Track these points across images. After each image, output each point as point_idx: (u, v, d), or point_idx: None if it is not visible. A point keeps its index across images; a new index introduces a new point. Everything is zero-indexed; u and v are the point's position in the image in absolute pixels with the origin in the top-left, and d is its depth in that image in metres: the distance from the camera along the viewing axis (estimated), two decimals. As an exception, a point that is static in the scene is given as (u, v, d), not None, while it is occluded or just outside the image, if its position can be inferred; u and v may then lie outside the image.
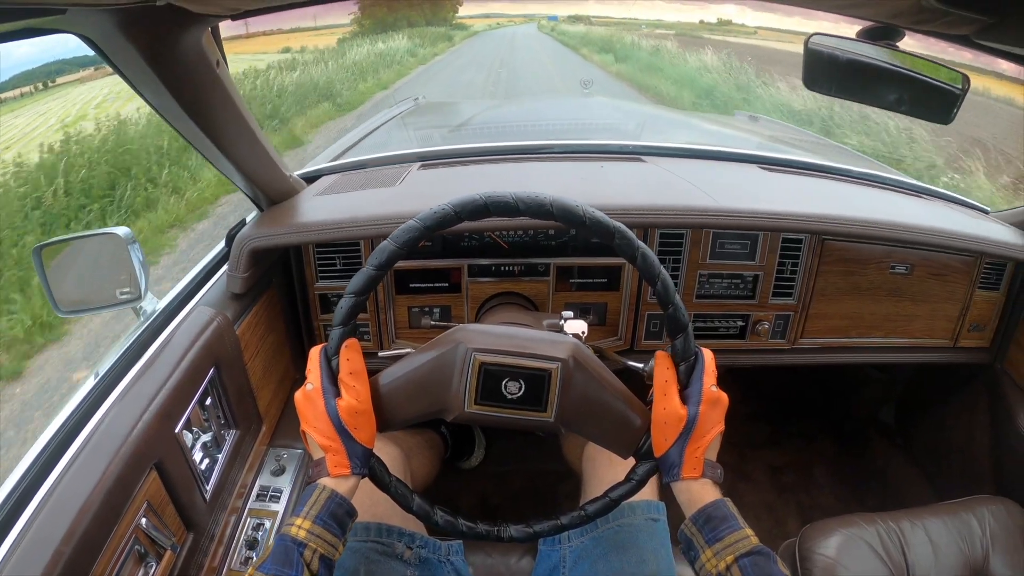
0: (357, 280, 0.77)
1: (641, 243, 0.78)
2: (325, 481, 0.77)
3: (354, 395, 0.77)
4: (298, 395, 0.79)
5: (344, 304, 0.78)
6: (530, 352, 0.78)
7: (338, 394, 0.78)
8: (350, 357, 0.79)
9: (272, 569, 0.70)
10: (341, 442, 0.77)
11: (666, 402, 0.80)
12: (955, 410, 1.75)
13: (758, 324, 1.51)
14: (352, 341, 0.80)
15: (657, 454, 0.82)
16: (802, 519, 1.86)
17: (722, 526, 0.76)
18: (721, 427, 0.81)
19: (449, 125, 2.72)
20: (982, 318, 1.57)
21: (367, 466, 0.80)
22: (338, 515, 0.76)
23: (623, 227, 0.77)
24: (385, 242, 0.77)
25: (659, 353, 0.84)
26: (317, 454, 0.79)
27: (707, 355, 0.82)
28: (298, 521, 0.74)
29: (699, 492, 0.80)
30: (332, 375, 0.79)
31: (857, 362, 1.59)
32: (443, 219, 0.76)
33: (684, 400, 0.80)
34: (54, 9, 0.64)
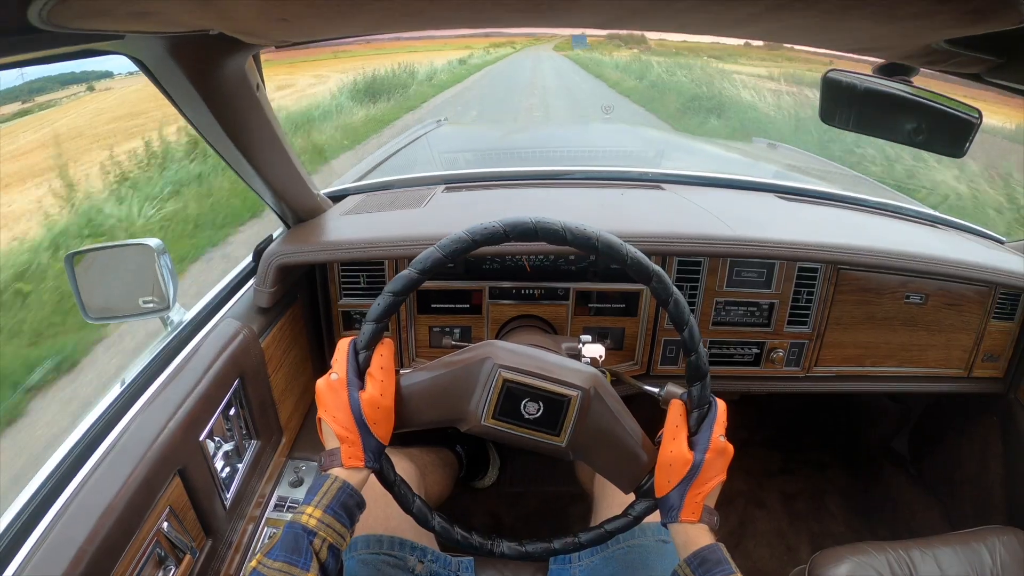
0: (397, 281, 0.79)
1: (675, 290, 0.81)
2: (337, 471, 0.78)
3: (380, 389, 0.79)
4: (320, 383, 0.81)
5: (381, 301, 0.80)
6: (554, 377, 0.81)
7: (362, 387, 0.80)
8: (384, 353, 0.81)
9: (281, 556, 0.70)
10: (358, 434, 0.79)
11: (674, 445, 0.82)
12: (968, 440, 1.74)
13: (773, 352, 1.51)
14: (388, 340, 0.83)
15: (658, 494, 0.84)
16: (813, 547, 1.84)
17: (716, 569, 0.77)
18: (723, 477, 0.83)
19: (472, 149, 2.77)
20: (996, 348, 1.57)
21: (379, 461, 0.81)
22: (348, 506, 0.77)
23: (662, 272, 0.80)
24: (431, 248, 0.80)
25: (674, 401, 0.86)
26: (331, 444, 0.81)
27: (720, 406, 0.85)
28: (308, 510, 0.75)
29: (695, 535, 0.81)
30: (358, 368, 0.81)
31: (871, 391, 1.59)
32: (492, 235, 0.79)
33: (692, 446, 0.82)
34: (114, 35, 0.68)
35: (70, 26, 0.57)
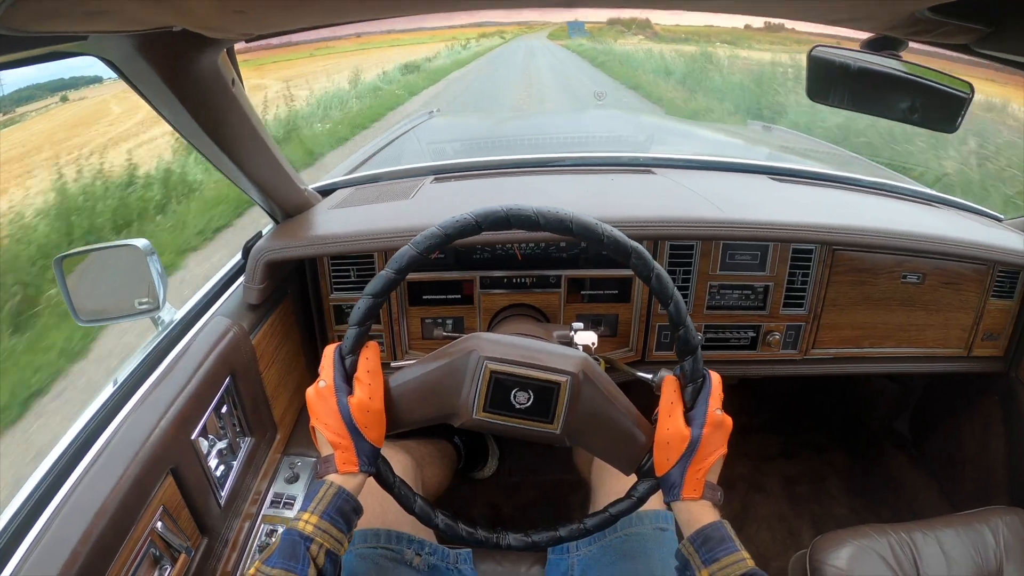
0: (375, 283, 0.79)
1: (656, 264, 0.80)
2: (333, 477, 0.79)
3: (368, 393, 0.79)
4: (310, 392, 0.81)
5: (361, 304, 0.79)
6: (541, 364, 0.80)
7: (350, 392, 0.80)
8: (369, 356, 0.81)
9: (279, 563, 0.71)
10: (351, 439, 0.79)
11: (671, 422, 0.81)
12: (969, 420, 1.73)
13: (769, 335, 1.50)
14: (373, 343, 0.83)
15: (659, 473, 0.83)
16: (815, 530, 1.84)
17: (719, 547, 0.77)
18: (723, 450, 0.82)
19: (462, 139, 2.75)
20: (996, 327, 1.55)
21: (374, 464, 0.81)
22: (344, 511, 0.77)
23: (640, 247, 0.79)
24: (406, 247, 0.79)
25: (668, 376, 0.85)
26: (326, 451, 0.81)
27: (714, 378, 0.84)
28: (305, 516, 0.75)
29: (698, 513, 0.81)
30: (345, 373, 0.81)
31: (870, 372, 1.59)
32: (464, 228, 0.78)
33: (688, 421, 0.81)
34: (77, 36, 0.67)
35: (29, 29, 0.56)
